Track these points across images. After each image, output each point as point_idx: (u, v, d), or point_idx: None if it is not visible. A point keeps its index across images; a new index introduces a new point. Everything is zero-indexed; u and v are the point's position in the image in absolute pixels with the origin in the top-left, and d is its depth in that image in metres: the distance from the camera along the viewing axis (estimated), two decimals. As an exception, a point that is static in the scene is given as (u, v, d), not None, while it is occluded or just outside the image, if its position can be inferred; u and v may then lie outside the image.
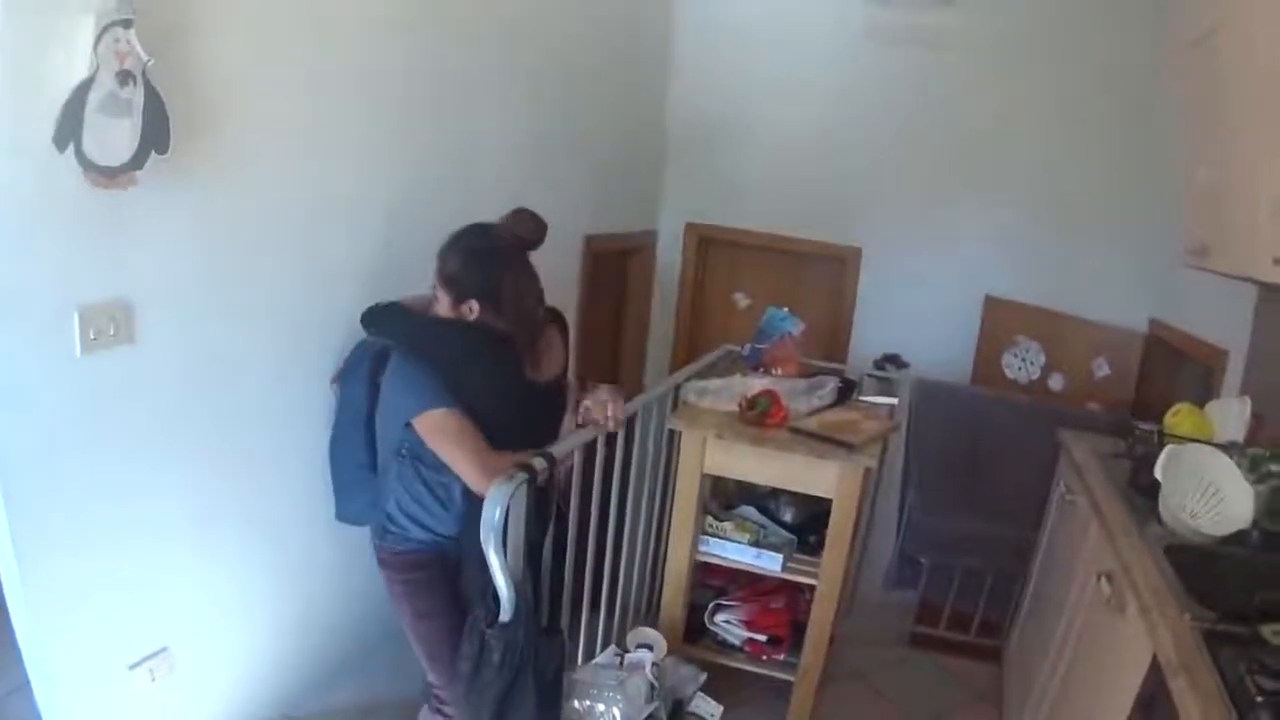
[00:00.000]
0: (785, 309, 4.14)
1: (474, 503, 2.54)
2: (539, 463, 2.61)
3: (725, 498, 3.90)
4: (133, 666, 2.71)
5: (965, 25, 5.15)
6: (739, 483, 3.82)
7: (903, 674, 4.33)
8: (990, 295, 5.39)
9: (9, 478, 2.23)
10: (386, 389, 2.76)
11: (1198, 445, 2.95)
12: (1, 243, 2.10)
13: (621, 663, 3.22)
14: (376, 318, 2.93)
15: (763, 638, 3.78)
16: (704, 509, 3.67)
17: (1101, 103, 4.91)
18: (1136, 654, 2.24)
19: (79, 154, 2.09)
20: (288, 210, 2.93)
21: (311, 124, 2.96)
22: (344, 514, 3.16)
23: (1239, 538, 2.63)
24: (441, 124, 3.60)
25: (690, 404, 3.63)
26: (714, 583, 4.00)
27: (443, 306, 2.78)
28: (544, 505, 2.73)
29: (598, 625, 3.63)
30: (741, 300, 6.18)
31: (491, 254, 2.76)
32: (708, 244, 6.16)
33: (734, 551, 3.64)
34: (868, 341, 5.44)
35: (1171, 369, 4.54)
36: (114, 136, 2.15)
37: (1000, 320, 5.37)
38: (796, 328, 4.06)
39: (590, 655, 3.45)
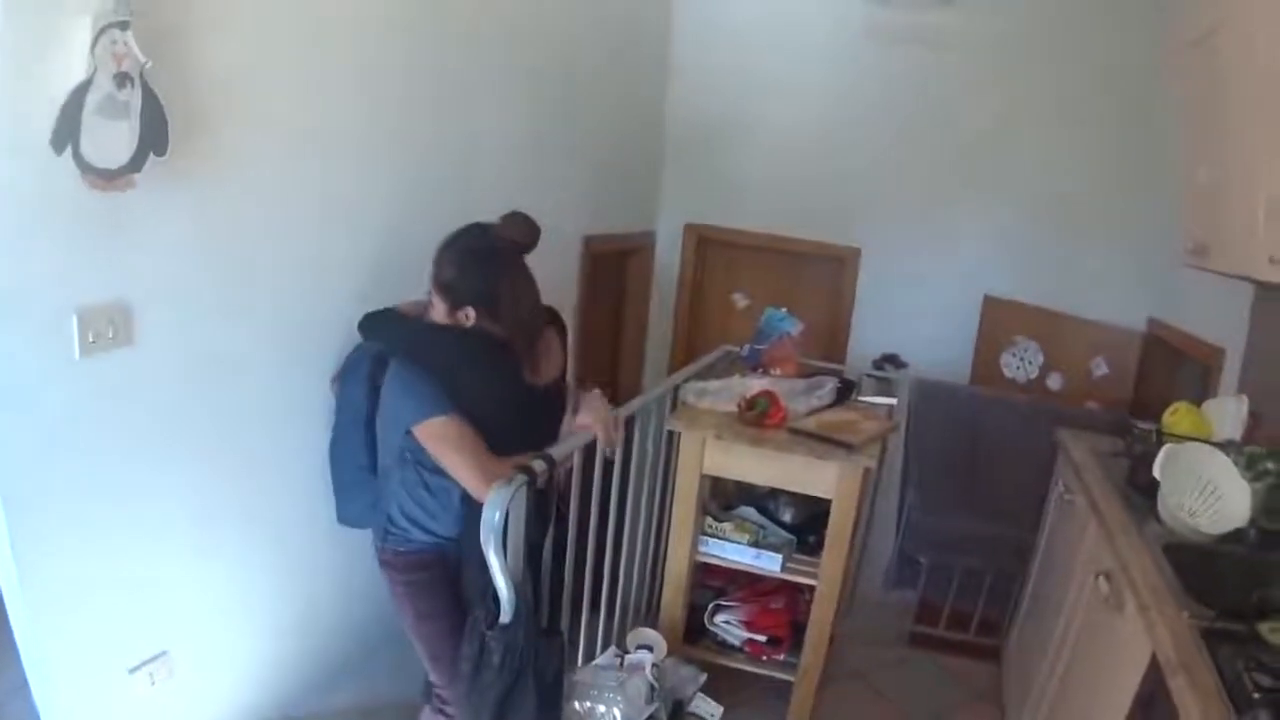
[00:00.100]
0: (784, 309, 4.14)
1: (473, 505, 2.54)
2: (538, 465, 2.61)
3: (724, 498, 3.91)
4: (132, 670, 2.70)
5: (965, 25, 5.14)
6: (738, 483, 3.82)
7: (902, 673, 4.33)
8: (989, 295, 5.39)
9: (7, 480, 2.23)
10: (386, 395, 2.75)
11: (1196, 444, 2.95)
12: (-1, 245, 2.10)
13: (622, 664, 3.23)
14: (373, 325, 2.94)
15: (762, 638, 3.78)
16: (703, 509, 3.68)
17: (1101, 103, 4.91)
18: (1135, 652, 2.25)
19: (77, 156, 2.08)
20: (287, 211, 2.93)
21: (310, 125, 2.96)
22: (345, 517, 3.15)
23: (1237, 536, 2.64)
24: (441, 124, 3.60)
25: (689, 405, 3.64)
26: (713, 583, 4.00)
27: (439, 313, 2.78)
28: (544, 507, 2.73)
29: (598, 626, 3.63)
30: (740, 301, 6.17)
31: (487, 259, 2.76)
32: (706, 244, 6.15)
33: (733, 552, 3.64)
34: (866, 342, 5.45)
35: (1170, 368, 4.54)
36: (112, 139, 2.15)
37: (999, 320, 5.37)
38: (795, 328, 4.06)
39: (590, 656, 3.46)
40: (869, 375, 4.36)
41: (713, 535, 3.66)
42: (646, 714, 3.03)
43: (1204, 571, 2.37)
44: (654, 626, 3.67)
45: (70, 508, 2.40)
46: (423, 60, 3.42)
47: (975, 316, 5.45)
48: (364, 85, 3.15)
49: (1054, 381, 5.17)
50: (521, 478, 2.50)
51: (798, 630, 3.73)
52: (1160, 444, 3.00)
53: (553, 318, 3.05)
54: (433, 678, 2.96)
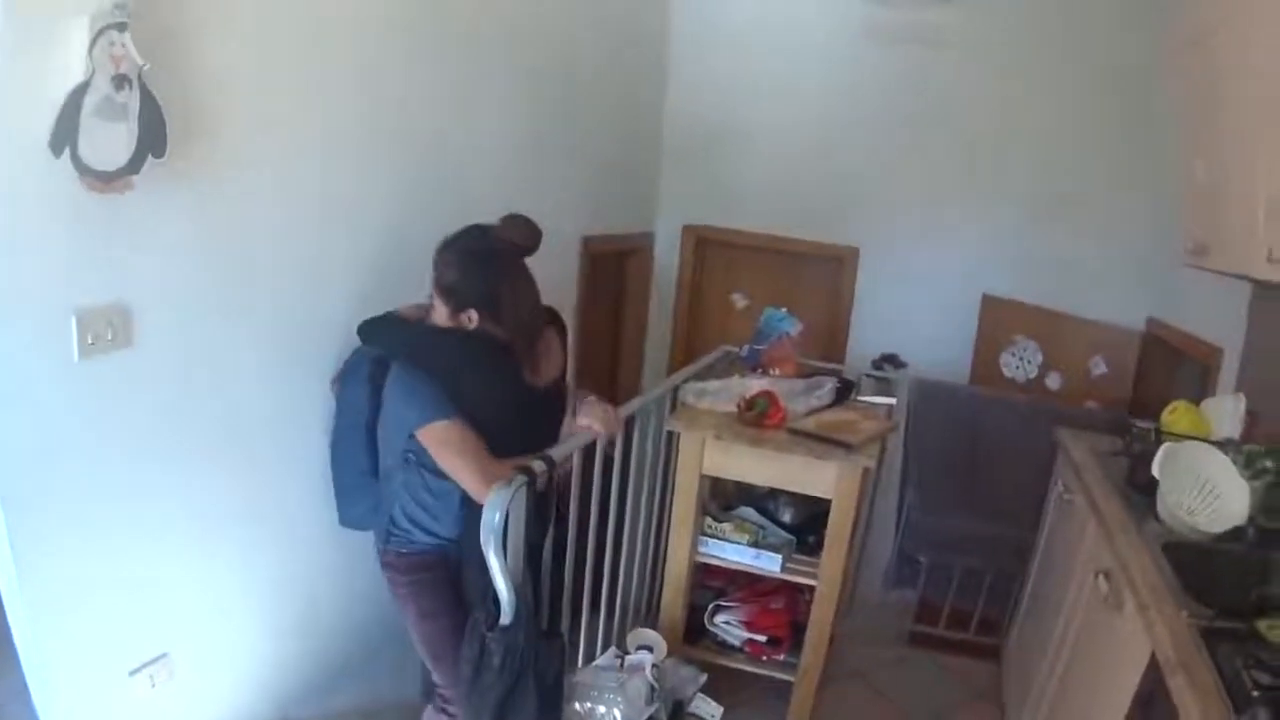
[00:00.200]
0: (783, 309, 4.14)
1: (474, 507, 2.54)
2: (538, 466, 2.62)
3: (724, 498, 3.91)
4: (133, 672, 2.70)
5: (964, 24, 5.15)
6: (738, 483, 3.82)
7: (902, 673, 4.33)
8: (988, 294, 5.40)
9: (7, 482, 2.22)
10: (388, 399, 2.76)
11: (1194, 443, 2.95)
12: (-2, 247, 2.10)
13: (622, 664, 3.23)
14: (374, 329, 2.93)
15: (762, 638, 3.78)
16: (703, 510, 3.68)
17: (1100, 102, 4.91)
18: (1135, 651, 2.25)
19: (75, 158, 2.08)
20: (287, 212, 2.93)
21: (309, 126, 2.96)
22: (346, 519, 3.15)
23: (1235, 534, 2.64)
24: (441, 125, 3.60)
25: (689, 405, 3.64)
26: (713, 584, 4.00)
27: (440, 316, 2.79)
28: (543, 508, 2.73)
29: (598, 627, 3.63)
30: (739, 301, 6.17)
31: (488, 262, 2.77)
32: (705, 245, 6.15)
33: (733, 552, 3.64)
34: (866, 341, 5.45)
35: (1169, 367, 4.54)
36: (110, 141, 2.15)
37: (998, 319, 5.37)
38: (794, 328, 4.07)
39: (590, 657, 3.46)
40: (868, 375, 4.36)
41: (712, 535, 3.66)
42: (647, 715, 3.03)
43: (1203, 570, 2.38)
44: (654, 627, 3.67)
45: (70, 509, 2.39)
46: (423, 61, 3.43)
47: (974, 316, 5.45)
48: (363, 86, 3.15)
49: (1053, 381, 5.17)
50: (521, 479, 2.50)
51: (798, 630, 3.73)
52: (1159, 443, 3.00)
53: (552, 318, 3.05)
54: (435, 678, 2.96)
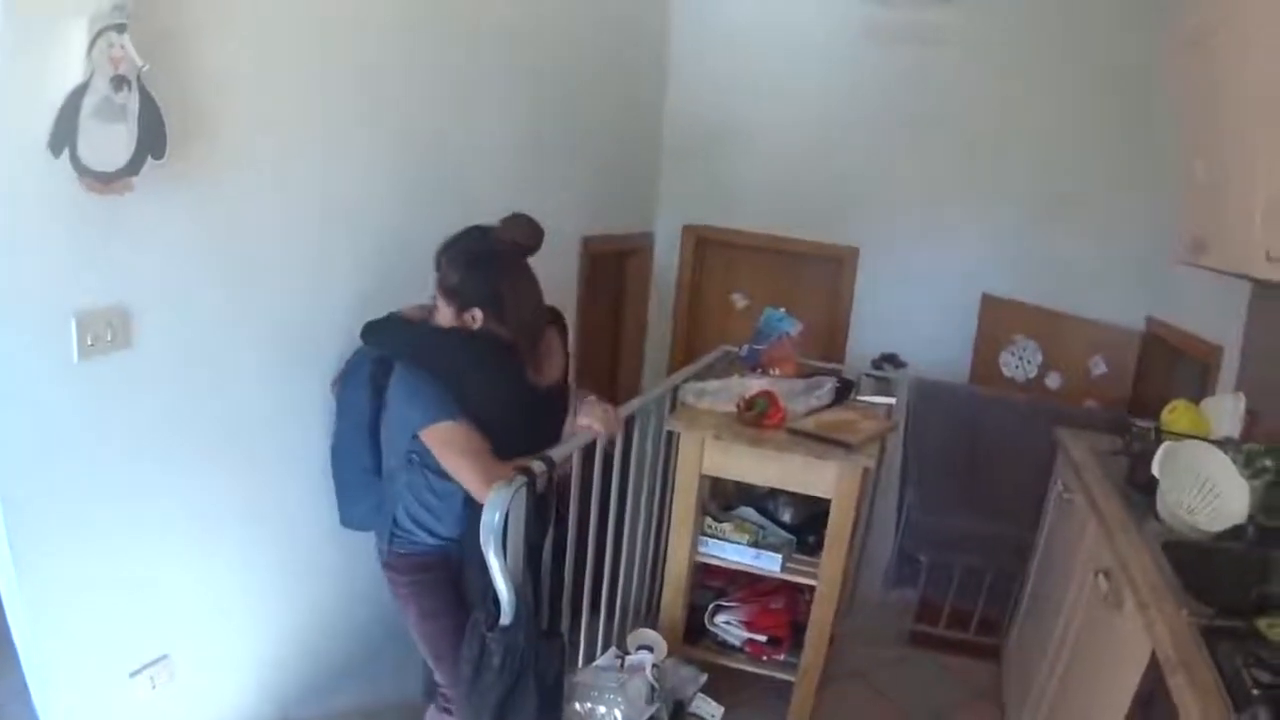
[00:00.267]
0: (783, 309, 4.14)
1: (475, 508, 2.54)
2: (538, 466, 2.62)
3: (724, 499, 3.90)
4: (133, 674, 2.70)
5: (964, 24, 5.14)
6: (738, 483, 3.82)
7: (903, 673, 4.33)
8: (988, 294, 5.39)
9: (6, 482, 2.23)
10: (392, 400, 2.76)
11: (1194, 442, 2.95)
12: (-3, 249, 2.10)
13: (622, 664, 3.23)
14: (377, 331, 2.92)
15: (763, 638, 3.78)
16: (703, 510, 3.68)
17: (1100, 102, 4.91)
18: (1135, 650, 2.25)
19: (74, 159, 2.09)
20: (286, 213, 2.93)
21: (309, 127, 2.96)
22: (348, 519, 3.16)
23: (1235, 533, 2.64)
24: (441, 126, 3.61)
25: (688, 405, 3.64)
26: (713, 584, 4.00)
27: (445, 316, 2.79)
28: (543, 508, 2.73)
29: (598, 627, 3.63)
30: (739, 301, 6.17)
31: (491, 262, 2.77)
32: (705, 245, 6.15)
33: (733, 552, 3.64)
34: (865, 341, 5.46)
35: (1168, 366, 4.55)
36: (109, 142, 2.15)
37: (998, 319, 5.37)
38: (794, 328, 4.07)
39: (591, 657, 3.46)
40: (868, 375, 4.36)
41: (712, 536, 3.66)
42: (647, 715, 3.03)
43: (1203, 569, 2.38)
44: (654, 627, 3.67)
45: (69, 510, 2.40)
46: (423, 61, 3.43)
47: (974, 316, 5.45)
48: (363, 86, 3.15)
49: (1053, 380, 5.16)
50: (521, 479, 2.51)
51: (798, 630, 3.73)
52: (1159, 442, 3.00)
53: (555, 318, 3.05)
54: (438, 678, 2.96)
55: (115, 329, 2.39)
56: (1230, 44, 2.97)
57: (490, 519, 2.41)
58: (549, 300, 2.96)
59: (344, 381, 3.07)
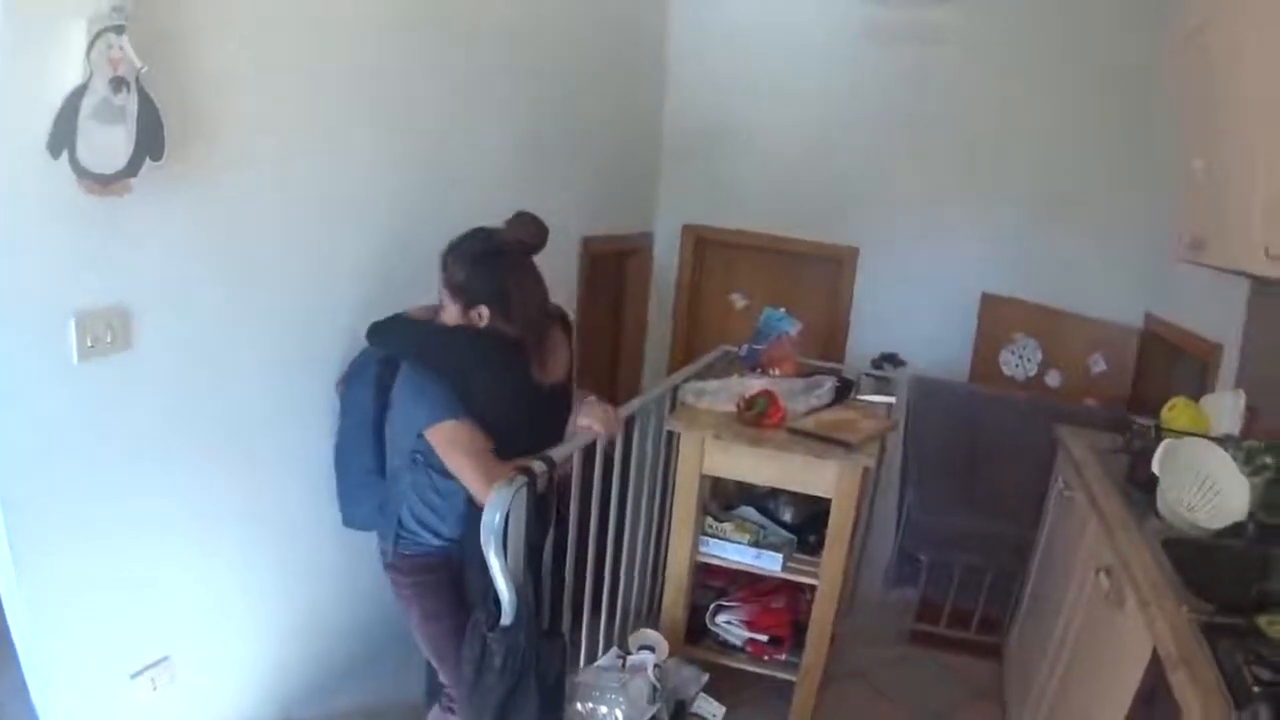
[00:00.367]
0: (782, 309, 4.14)
1: (477, 508, 2.54)
2: (538, 466, 2.62)
3: (724, 498, 3.91)
4: (134, 675, 2.70)
5: (964, 23, 5.14)
6: (738, 483, 3.82)
7: (904, 672, 4.32)
8: (987, 293, 5.39)
9: (6, 483, 2.23)
10: (397, 399, 2.77)
11: (1194, 439, 2.96)
12: (-4, 251, 2.10)
13: (623, 665, 3.24)
14: (383, 331, 2.93)
15: (764, 638, 3.78)
16: (703, 510, 3.68)
17: (1098, 100, 4.91)
18: (1136, 648, 2.25)
19: (73, 161, 2.09)
20: (286, 214, 2.93)
21: (308, 128, 2.96)
22: (350, 520, 3.16)
23: (1235, 530, 2.64)
24: (441, 127, 3.61)
25: (688, 405, 3.64)
26: (714, 584, 4.00)
27: (451, 314, 2.80)
28: (544, 508, 2.74)
29: (599, 627, 3.63)
30: (738, 301, 6.17)
31: (497, 259, 2.78)
32: (704, 245, 6.15)
33: (734, 552, 3.64)
34: (865, 341, 5.46)
35: (1168, 364, 4.55)
36: (108, 143, 2.15)
37: (997, 318, 5.37)
38: (794, 328, 4.07)
39: (592, 657, 3.46)
40: (868, 374, 4.36)
41: (713, 535, 3.66)
42: (649, 715, 3.04)
43: (1203, 566, 2.38)
44: (655, 627, 3.67)
45: (70, 511, 2.40)
46: (422, 62, 3.43)
47: (974, 314, 5.44)
48: (363, 88, 3.15)
49: (1053, 378, 5.17)
50: (521, 479, 2.51)
51: (799, 630, 3.73)
52: (1159, 439, 3.00)
53: (560, 318, 3.06)
54: (443, 678, 2.96)
55: (115, 330, 2.38)
56: (1222, 40, 2.98)
57: (491, 519, 2.41)
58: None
59: (348, 381, 3.07)
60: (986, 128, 5.23)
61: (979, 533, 4.25)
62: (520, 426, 2.74)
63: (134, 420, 2.52)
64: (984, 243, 5.34)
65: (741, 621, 3.82)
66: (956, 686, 4.22)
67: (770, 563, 3.60)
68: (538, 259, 2.87)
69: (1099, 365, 4.99)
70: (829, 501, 3.40)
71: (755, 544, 3.62)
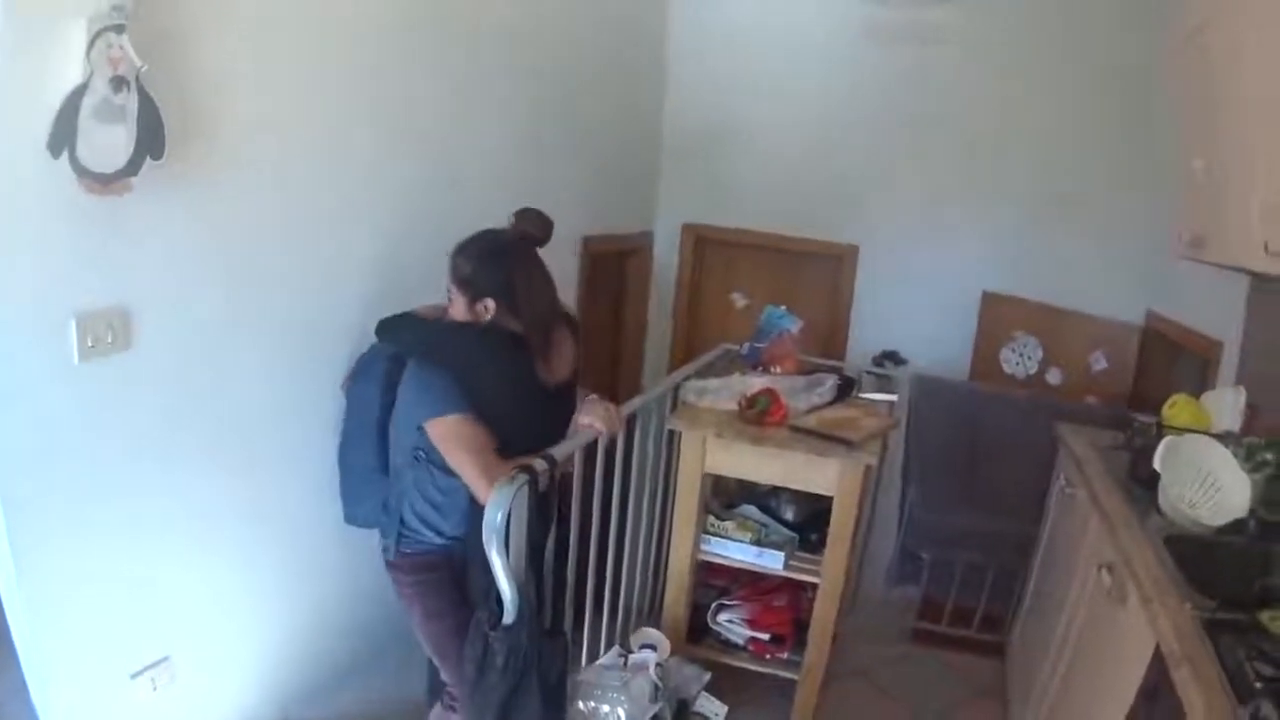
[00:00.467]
0: (783, 307, 4.14)
1: (479, 506, 2.54)
2: (539, 464, 2.62)
3: (726, 497, 3.91)
4: (134, 675, 2.70)
5: (964, 23, 5.15)
6: (740, 482, 3.82)
7: (906, 670, 4.32)
8: (988, 291, 5.39)
9: (6, 483, 2.23)
10: (403, 393, 2.78)
11: (1195, 436, 2.96)
12: (-3, 251, 2.10)
13: (625, 663, 3.23)
14: (391, 327, 2.96)
15: (766, 636, 3.78)
16: (705, 508, 3.67)
17: (1097, 99, 4.91)
18: (1139, 644, 2.24)
19: (73, 160, 2.09)
20: (286, 213, 2.93)
21: (308, 127, 2.96)
22: (352, 517, 3.16)
23: (1237, 527, 2.64)
24: (441, 127, 3.61)
25: (690, 404, 3.64)
26: (716, 582, 4.00)
27: (458, 308, 2.82)
28: (545, 507, 2.74)
29: (601, 626, 3.63)
30: (739, 300, 6.17)
31: (503, 252, 2.81)
32: (704, 244, 6.16)
33: (736, 550, 3.64)
34: (866, 339, 5.49)
35: (1168, 361, 4.54)
36: (108, 143, 2.16)
37: (998, 316, 5.37)
38: (795, 326, 4.06)
39: (594, 656, 3.46)
40: (869, 372, 4.37)
41: (715, 534, 3.66)
42: (650, 713, 3.03)
43: (1205, 563, 2.38)
44: (657, 626, 3.68)
45: (70, 510, 2.40)
46: (422, 62, 3.43)
47: (974, 313, 5.44)
48: (362, 87, 3.15)
49: (1053, 376, 5.17)
50: (523, 477, 2.50)
51: (801, 628, 3.73)
52: (1160, 437, 3.00)
53: (567, 319, 3.07)
54: (444, 677, 2.96)
55: (115, 330, 2.39)
56: (1222, 40, 2.98)
57: (492, 518, 2.41)
58: (550, 300, 2.97)
59: (355, 378, 3.09)
60: (987, 127, 5.24)
61: (980, 530, 4.25)
62: (523, 424, 2.75)
63: (134, 420, 2.53)
64: (984, 241, 5.34)
65: (743, 620, 3.82)
66: (958, 685, 4.21)
67: (772, 561, 3.60)
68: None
69: (1100, 363, 4.99)
70: (831, 500, 3.40)
71: (757, 542, 3.62)
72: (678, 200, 6.07)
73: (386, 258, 3.31)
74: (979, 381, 5.29)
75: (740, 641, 3.81)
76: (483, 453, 2.61)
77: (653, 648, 3.40)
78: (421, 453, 2.73)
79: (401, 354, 2.85)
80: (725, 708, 3.40)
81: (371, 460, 3.00)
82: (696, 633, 3.83)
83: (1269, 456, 2.77)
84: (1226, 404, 3.24)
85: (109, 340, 2.37)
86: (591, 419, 2.98)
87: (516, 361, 2.78)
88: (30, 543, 2.31)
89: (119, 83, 2.12)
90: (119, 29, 2.09)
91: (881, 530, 4.73)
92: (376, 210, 3.30)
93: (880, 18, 5.29)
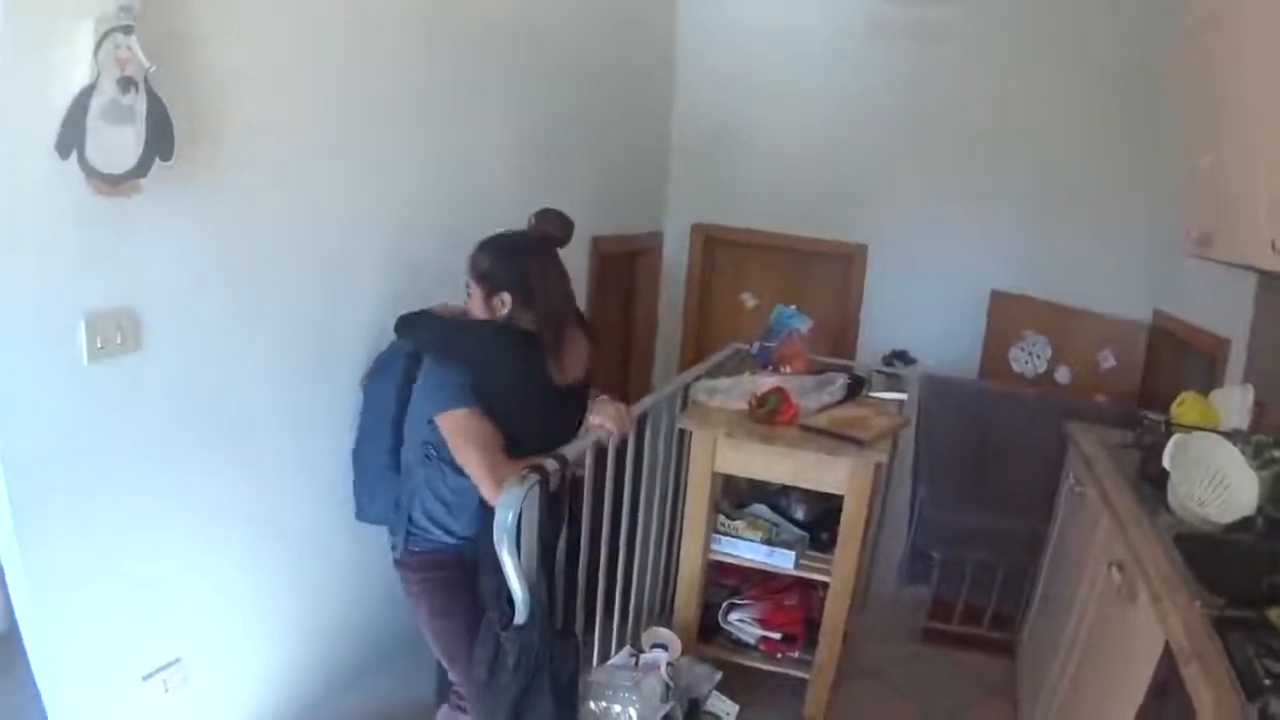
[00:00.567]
0: (793, 307, 4.14)
1: (488, 506, 2.55)
2: (551, 464, 2.62)
3: (737, 496, 3.90)
4: (145, 678, 2.71)
5: (970, 22, 5.16)
6: (750, 481, 3.82)
7: (916, 669, 4.31)
8: (996, 290, 5.39)
9: (17, 485, 2.23)
10: (417, 389, 2.81)
11: (1203, 434, 2.96)
12: (5, 251, 2.10)
13: (636, 663, 3.23)
14: (409, 324, 3.01)
15: (777, 635, 3.78)
16: (716, 508, 3.67)
17: (1103, 98, 4.91)
18: (1148, 642, 2.24)
19: (82, 161, 2.09)
20: (294, 214, 2.94)
21: (317, 127, 2.97)
22: (364, 514, 3.18)
23: (1245, 524, 2.63)
24: (452, 126, 3.61)
25: (700, 403, 3.64)
26: (727, 581, 4.00)
27: (476, 303, 2.85)
28: (557, 507, 2.74)
29: (612, 626, 3.62)
30: (749, 300, 6.18)
31: (522, 249, 2.85)
32: (714, 244, 6.17)
33: (747, 550, 3.64)
34: (875, 338, 5.49)
35: (1176, 359, 4.54)
36: (117, 144, 2.16)
37: (1007, 315, 5.37)
38: (805, 325, 4.06)
39: (605, 656, 3.45)
40: (879, 371, 4.36)
41: (725, 533, 3.66)
42: (662, 713, 3.03)
43: (1214, 560, 2.37)
44: (668, 626, 3.67)
45: (80, 511, 2.40)
46: (432, 64, 3.44)
47: (983, 312, 5.45)
48: (372, 88, 3.16)
49: (1062, 375, 5.17)
50: (534, 477, 2.50)
51: (812, 627, 3.73)
52: (1169, 435, 3.00)
53: (581, 321, 3.09)
54: (453, 677, 2.97)
55: (125, 331, 2.39)
56: (1227, 41, 2.98)
57: (504, 518, 2.41)
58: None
59: (373, 375, 3.12)
60: (992, 126, 5.25)
61: (991, 529, 4.25)
62: (534, 423, 2.77)
63: (144, 421, 2.53)
64: (992, 240, 5.35)
65: (754, 619, 3.82)
66: (969, 684, 4.21)
67: (783, 560, 3.60)
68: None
69: (1108, 361, 4.98)
70: (841, 499, 3.40)
71: (768, 542, 3.62)
72: (687, 200, 6.08)
73: (397, 258, 3.32)
74: (988, 380, 5.29)
75: (751, 641, 3.81)
76: (490, 450, 2.62)
77: (664, 647, 3.40)
78: (432, 449, 2.74)
79: (419, 350, 2.88)
80: (737, 707, 3.39)
81: (385, 457, 3.02)
82: (708, 632, 3.84)
83: (1277, 454, 2.77)
84: (1234, 402, 3.24)
85: (118, 341, 2.38)
86: (602, 419, 2.99)
87: (529, 360, 2.80)
88: (40, 543, 2.31)
89: (127, 83, 2.13)
90: (127, 30, 2.09)
91: (892, 529, 4.72)
92: (386, 211, 3.30)
93: (885, 14, 5.29)
